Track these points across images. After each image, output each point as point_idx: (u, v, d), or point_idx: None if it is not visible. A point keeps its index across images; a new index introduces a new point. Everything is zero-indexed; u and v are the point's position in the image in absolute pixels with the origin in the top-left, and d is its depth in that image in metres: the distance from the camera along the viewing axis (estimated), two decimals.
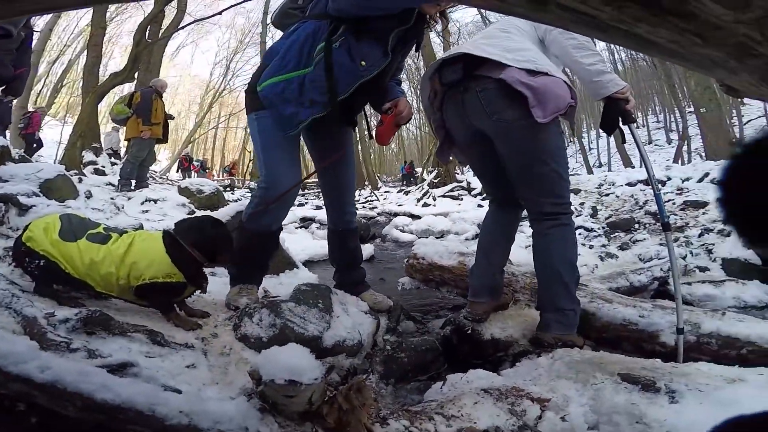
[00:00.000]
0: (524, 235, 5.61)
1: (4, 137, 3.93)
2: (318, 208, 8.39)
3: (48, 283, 1.40)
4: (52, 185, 3.78)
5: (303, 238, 4.42)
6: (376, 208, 7.52)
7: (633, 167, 13.39)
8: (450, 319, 1.91)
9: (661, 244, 3.97)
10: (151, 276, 1.36)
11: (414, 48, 1.77)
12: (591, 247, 4.02)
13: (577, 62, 1.46)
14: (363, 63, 1.56)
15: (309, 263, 3.58)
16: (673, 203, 5.39)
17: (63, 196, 3.77)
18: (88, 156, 10.01)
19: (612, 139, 21.56)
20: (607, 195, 7.27)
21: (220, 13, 8.05)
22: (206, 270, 1.50)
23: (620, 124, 1.53)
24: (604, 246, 3.99)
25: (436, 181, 8.76)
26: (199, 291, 1.51)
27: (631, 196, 6.54)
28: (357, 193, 15.06)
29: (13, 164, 4.30)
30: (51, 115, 19.14)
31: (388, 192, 13.87)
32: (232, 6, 8.61)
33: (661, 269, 2.77)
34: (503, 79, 1.41)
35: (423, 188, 8.34)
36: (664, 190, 6.08)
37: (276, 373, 0.66)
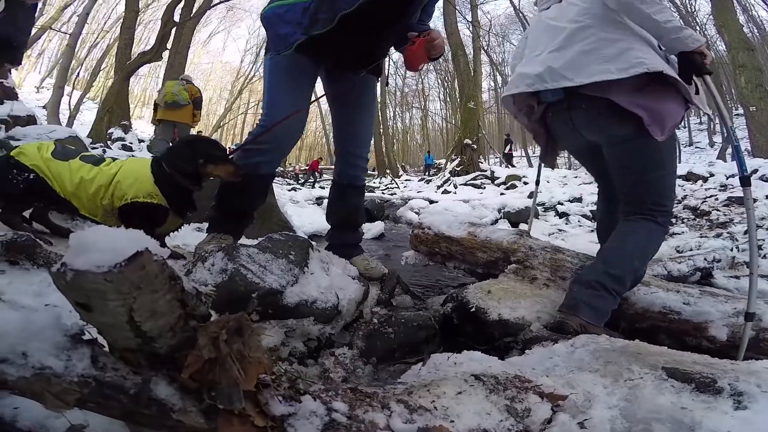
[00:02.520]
0: (548, 223, 5.37)
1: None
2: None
3: (23, 205, 1.41)
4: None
5: (312, 212, 4.23)
6: (396, 194, 7.27)
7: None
8: (452, 295, 1.63)
9: (702, 236, 3.59)
10: (132, 195, 1.35)
11: None
12: None
13: (650, 19, 1.34)
14: None
15: (314, 237, 3.38)
16: (716, 199, 5.10)
17: None
18: (117, 132, 10.26)
19: None
20: None
21: None
22: (194, 225, 1.44)
23: (695, 77, 1.39)
24: None
25: (458, 169, 8.39)
26: (182, 222, 1.48)
27: None
28: (378, 180, 14.94)
29: (27, 126, 4.33)
30: (90, 98, 19.85)
31: (409, 180, 13.61)
32: None
33: (705, 259, 2.42)
34: (613, 101, 1.36)
35: (444, 176, 8.00)
36: (707, 186, 5.85)
37: (73, 258, 0.40)
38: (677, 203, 5.23)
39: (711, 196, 5.25)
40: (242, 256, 1.14)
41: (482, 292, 1.54)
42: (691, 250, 3.08)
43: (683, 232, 3.93)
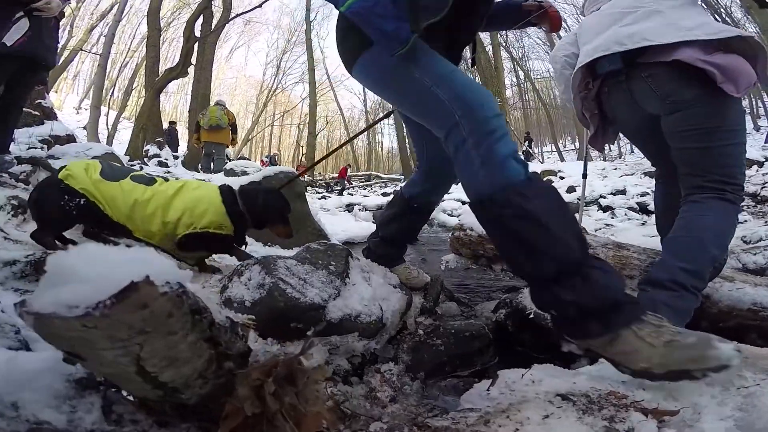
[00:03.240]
0: (591, 218, 5.07)
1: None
2: (365, 196, 8.23)
3: (63, 226, 1.35)
4: None
5: (345, 220, 4.16)
6: None
7: None
8: (505, 301, 1.49)
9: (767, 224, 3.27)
10: (203, 225, 1.35)
11: None
12: None
13: None
14: None
15: (349, 244, 3.30)
16: None
17: None
18: (152, 149, 10.67)
19: None
20: None
21: (260, 5, 8.16)
22: None
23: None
24: None
25: None
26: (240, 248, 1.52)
27: None
28: (403, 183, 14.73)
29: (66, 144, 4.51)
30: (125, 117, 20.80)
31: None
32: None
33: None
34: (679, 60, 1.27)
35: None
36: (763, 171, 5.49)
37: (41, 298, 0.27)
38: None
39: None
40: (280, 268, 1.04)
41: None
42: (760, 239, 2.80)
43: (746, 221, 3.60)
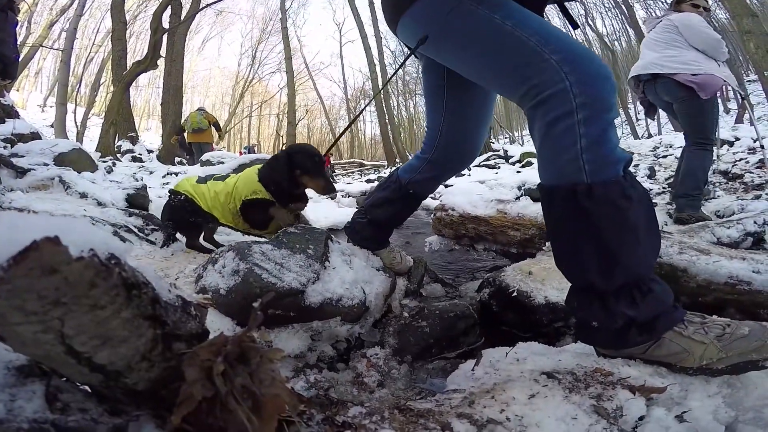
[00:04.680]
0: None
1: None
2: (348, 183, 8.19)
3: (189, 224, 1.77)
4: (66, 158, 3.84)
5: (327, 207, 4.09)
6: None
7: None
8: (488, 280, 1.47)
9: (739, 199, 3.37)
10: (244, 195, 1.61)
11: None
12: (654, 205, 3.45)
13: (713, 49, 2.67)
14: None
15: (332, 231, 3.24)
16: (747, 162, 5.00)
17: (79, 169, 3.75)
18: (125, 145, 10.31)
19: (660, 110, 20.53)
20: (664, 157, 6.96)
21: None
22: None
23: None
24: (669, 204, 3.39)
25: None
26: (293, 214, 1.64)
27: None
28: (388, 170, 14.69)
29: (31, 142, 4.30)
30: (95, 114, 19.98)
31: None
32: None
33: (755, 222, 2.19)
34: (677, 80, 2.62)
35: None
36: (733, 150, 5.75)
37: None
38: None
39: (740, 159, 5.15)
40: (255, 254, 1.00)
41: (522, 273, 1.38)
42: (733, 213, 2.87)
43: (719, 196, 3.68)
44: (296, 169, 1.55)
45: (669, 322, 0.79)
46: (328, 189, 1.58)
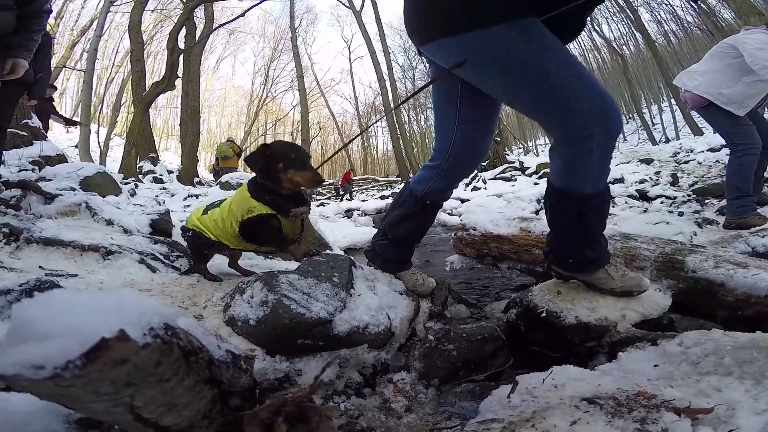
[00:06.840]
0: None
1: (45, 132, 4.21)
2: (364, 201, 8.24)
3: (201, 255, 1.76)
4: (92, 182, 3.94)
5: (345, 226, 4.12)
6: None
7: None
8: (515, 300, 1.45)
9: None
10: (239, 216, 1.52)
11: None
12: (681, 214, 3.36)
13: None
14: None
15: (350, 251, 3.25)
16: None
17: (103, 192, 3.85)
18: (146, 165, 10.60)
19: (678, 111, 19.85)
20: (686, 162, 6.81)
21: (243, 14, 8.17)
22: None
23: None
24: (697, 212, 3.29)
25: (485, 164, 8.09)
26: (297, 222, 1.58)
27: (717, 161, 6.28)
28: (400, 185, 14.76)
29: (57, 165, 4.45)
30: (117, 134, 20.62)
31: None
32: (251, 7, 8.75)
33: None
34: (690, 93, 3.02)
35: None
36: None
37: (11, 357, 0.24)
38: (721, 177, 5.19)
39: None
40: (282, 284, 1.00)
41: (550, 293, 1.35)
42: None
43: None
44: (278, 163, 1.45)
45: (605, 261, 1.30)
46: (316, 180, 1.48)
